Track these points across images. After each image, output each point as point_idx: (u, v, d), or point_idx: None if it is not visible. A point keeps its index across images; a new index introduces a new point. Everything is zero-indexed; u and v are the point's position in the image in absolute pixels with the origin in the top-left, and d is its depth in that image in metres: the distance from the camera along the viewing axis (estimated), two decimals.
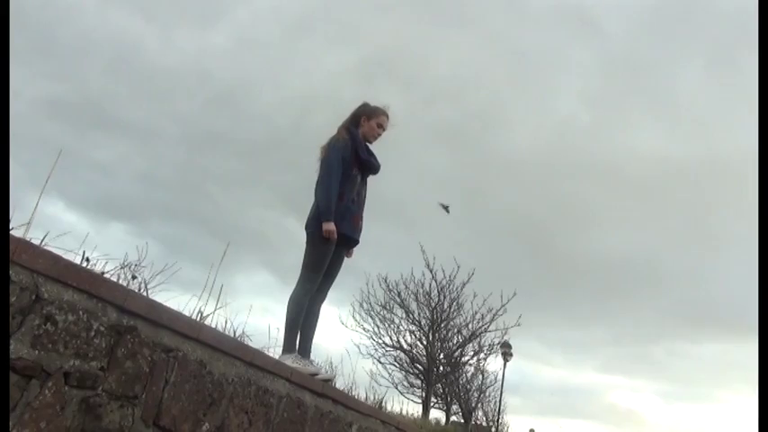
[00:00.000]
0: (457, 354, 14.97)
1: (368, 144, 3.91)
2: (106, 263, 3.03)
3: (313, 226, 3.64)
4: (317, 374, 3.51)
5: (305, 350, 3.64)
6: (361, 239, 3.86)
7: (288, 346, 3.53)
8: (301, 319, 3.61)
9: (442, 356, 14.72)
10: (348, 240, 3.76)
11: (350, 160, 3.71)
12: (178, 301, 3.13)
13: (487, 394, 18.19)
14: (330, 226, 3.52)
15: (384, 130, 3.92)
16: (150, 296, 2.77)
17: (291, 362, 3.35)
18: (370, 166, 3.86)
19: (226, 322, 3.68)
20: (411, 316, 14.65)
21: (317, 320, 3.76)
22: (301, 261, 3.68)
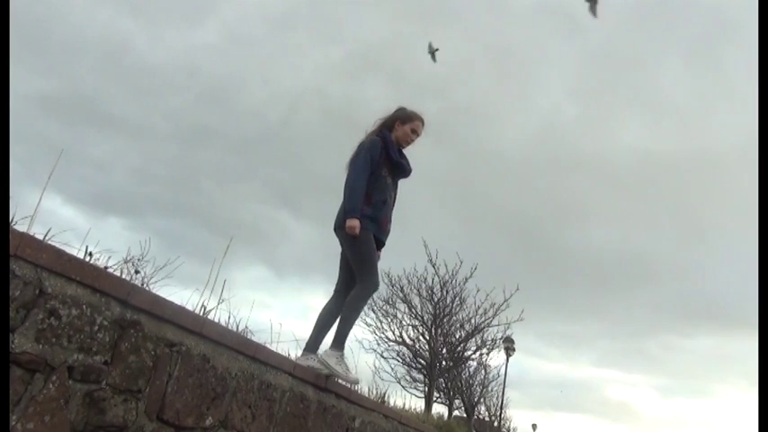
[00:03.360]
0: (459, 349, 14.99)
1: (400, 148, 3.86)
2: (109, 258, 3.04)
3: (344, 225, 3.57)
4: (354, 382, 3.55)
5: (314, 343, 3.62)
6: (387, 242, 3.81)
7: (337, 344, 3.49)
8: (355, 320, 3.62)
9: (444, 351, 14.73)
10: (376, 242, 3.68)
11: (379, 161, 3.66)
12: (180, 296, 3.15)
13: (490, 389, 18.25)
14: (354, 222, 3.46)
15: (418, 135, 3.88)
16: (152, 291, 2.77)
17: (335, 362, 3.39)
18: (401, 168, 3.81)
19: (229, 317, 3.69)
20: (414, 311, 14.65)
21: (334, 322, 3.73)
22: (353, 266, 3.62)
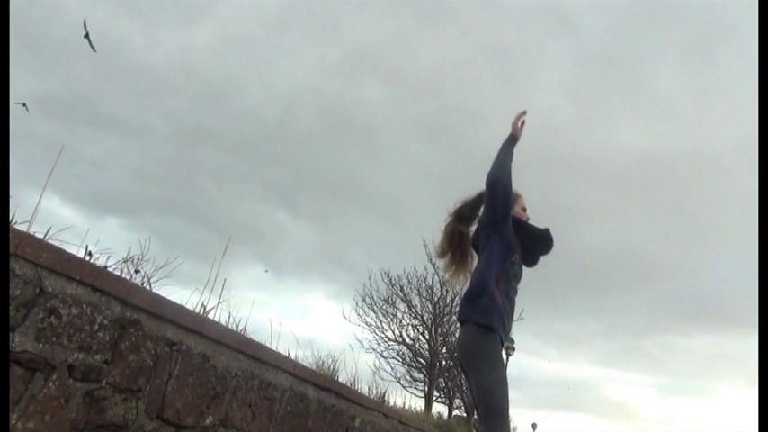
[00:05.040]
0: None
1: None
2: (108, 257, 3.03)
3: (476, 341, 2.55)
4: None
5: None
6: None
7: None
8: None
9: (444, 350, 14.74)
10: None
11: (511, 244, 2.84)
12: (180, 295, 3.14)
13: None
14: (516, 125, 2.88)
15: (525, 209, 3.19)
16: (152, 290, 2.77)
17: None
18: (544, 240, 3.00)
19: (228, 317, 3.69)
20: (413, 310, 14.68)
21: None
22: (476, 396, 2.50)
